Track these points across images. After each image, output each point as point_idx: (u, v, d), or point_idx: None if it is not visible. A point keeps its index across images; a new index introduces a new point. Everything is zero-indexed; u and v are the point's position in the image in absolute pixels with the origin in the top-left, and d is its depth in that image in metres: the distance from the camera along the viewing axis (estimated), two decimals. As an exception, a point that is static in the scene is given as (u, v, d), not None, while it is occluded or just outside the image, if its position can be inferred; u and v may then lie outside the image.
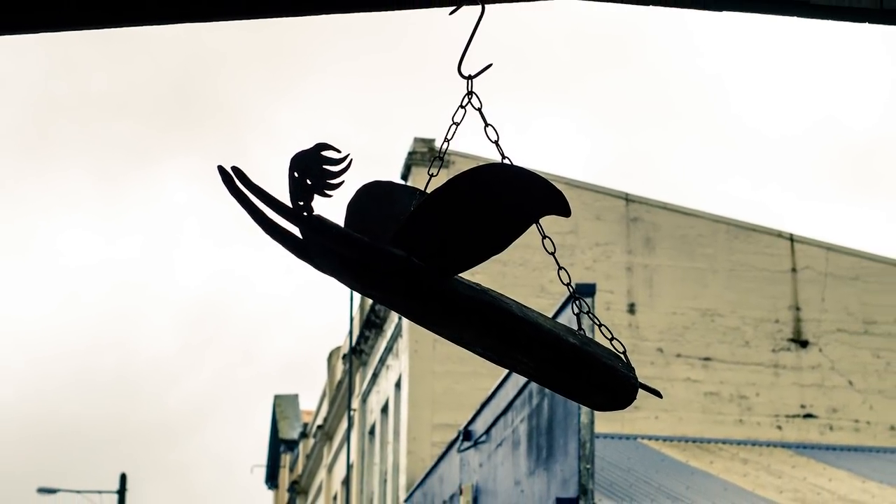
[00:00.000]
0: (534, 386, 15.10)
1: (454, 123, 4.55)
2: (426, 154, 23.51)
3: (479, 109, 4.51)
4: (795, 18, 4.67)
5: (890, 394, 23.60)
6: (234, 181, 4.26)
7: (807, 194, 74.32)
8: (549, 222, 4.50)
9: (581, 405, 10.31)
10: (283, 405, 48.44)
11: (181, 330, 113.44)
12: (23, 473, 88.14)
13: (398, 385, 24.63)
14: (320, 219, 4.27)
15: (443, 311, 4.37)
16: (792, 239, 24.16)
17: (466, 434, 18.10)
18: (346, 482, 30.70)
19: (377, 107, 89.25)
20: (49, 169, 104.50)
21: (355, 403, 29.99)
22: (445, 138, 4.58)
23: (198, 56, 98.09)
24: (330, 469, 35.71)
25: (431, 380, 23.22)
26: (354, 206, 4.51)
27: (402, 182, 19.71)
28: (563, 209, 4.18)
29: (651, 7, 4.66)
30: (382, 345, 26.49)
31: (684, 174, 73.69)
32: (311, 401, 46.09)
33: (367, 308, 27.32)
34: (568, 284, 4.65)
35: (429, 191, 4.42)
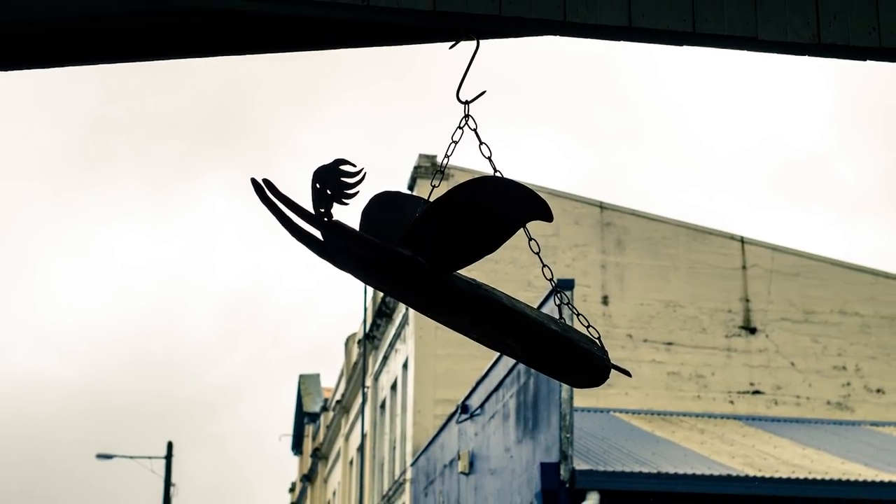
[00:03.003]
0: (521, 367, 15.08)
1: (453, 142, 4.54)
2: (429, 168, 23.47)
3: (475, 130, 4.51)
4: (745, 52, 4.67)
5: (826, 373, 23.57)
6: (265, 191, 4.25)
7: (755, 202, 74.20)
8: (534, 226, 4.50)
9: (562, 383, 10.29)
10: (307, 383, 48.33)
11: (219, 319, 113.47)
12: (84, 441, 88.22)
13: (405, 366, 24.60)
14: (339, 223, 4.26)
15: (443, 303, 4.37)
16: (742, 241, 24.12)
17: (464, 408, 18.08)
18: (361, 449, 30.67)
19: (387, 127, 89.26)
20: (106, 181, 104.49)
21: (368, 382, 29.96)
22: (446, 154, 4.57)
23: (234, 84, 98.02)
24: (347, 438, 35.67)
25: (434, 361, 23.18)
26: (368, 213, 4.51)
27: (409, 192, 19.64)
28: (546, 215, 4.17)
29: (621, 42, 4.65)
30: (392, 331, 26.45)
31: (650, 185, 73.64)
32: (330, 379, 46.06)
33: (379, 300, 27.28)
34: (550, 279, 4.64)
35: (432, 199, 4.42)
